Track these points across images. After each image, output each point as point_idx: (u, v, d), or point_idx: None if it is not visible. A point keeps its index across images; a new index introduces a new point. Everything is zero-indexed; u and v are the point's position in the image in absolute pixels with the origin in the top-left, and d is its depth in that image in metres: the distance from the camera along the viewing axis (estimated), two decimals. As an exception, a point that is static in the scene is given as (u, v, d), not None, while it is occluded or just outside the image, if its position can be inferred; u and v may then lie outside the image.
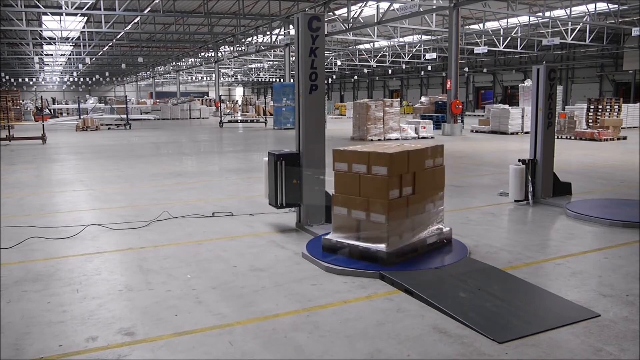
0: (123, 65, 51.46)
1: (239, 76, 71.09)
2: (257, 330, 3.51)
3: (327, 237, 5.10)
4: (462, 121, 23.18)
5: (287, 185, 5.97)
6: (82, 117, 28.18)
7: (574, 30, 29.64)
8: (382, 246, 4.68)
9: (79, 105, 34.43)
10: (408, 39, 37.20)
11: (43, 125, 19.40)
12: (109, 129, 26.29)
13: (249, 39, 35.68)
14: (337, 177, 5.09)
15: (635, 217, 6.41)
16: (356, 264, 4.68)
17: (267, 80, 70.81)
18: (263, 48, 38.36)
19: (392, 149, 4.97)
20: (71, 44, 38.73)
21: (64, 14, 26.74)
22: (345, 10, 25.39)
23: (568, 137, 18.96)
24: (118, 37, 34.24)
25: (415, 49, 42.12)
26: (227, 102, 54.00)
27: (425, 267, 4.67)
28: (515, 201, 7.57)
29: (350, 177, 4.95)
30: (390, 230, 4.70)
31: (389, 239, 4.68)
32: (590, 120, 21.97)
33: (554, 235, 6.08)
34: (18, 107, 32.55)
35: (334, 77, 67.08)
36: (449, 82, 21.73)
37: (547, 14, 27.07)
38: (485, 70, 48.48)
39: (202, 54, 47.41)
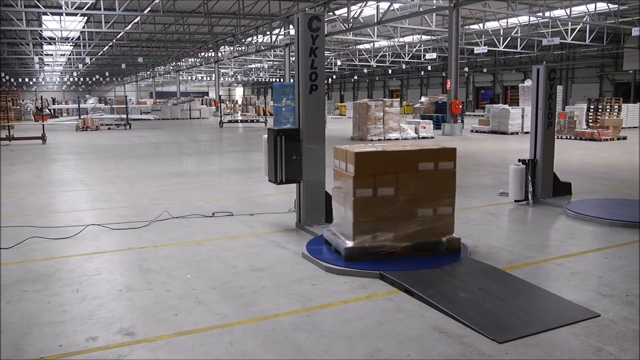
0: (123, 65, 51.46)
1: (239, 76, 71.08)
2: (257, 330, 3.51)
3: (327, 227, 5.47)
4: (462, 121, 23.18)
5: (287, 161, 5.95)
6: (82, 117, 28.19)
7: (574, 30, 29.64)
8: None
9: (79, 105, 34.44)
10: (408, 39, 37.19)
11: (43, 125, 19.42)
12: (109, 129, 26.29)
13: (249, 39, 35.67)
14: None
15: (635, 217, 6.41)
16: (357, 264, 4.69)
17: (267, 80, 70.80)
18: (263, 48, 38.35)
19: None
20: (71, 44, 38.71)
21: (64, 14, 26.72)
22: (345, 10, 25.39)
23: (568, 137, 18.96)
24: (118, 37, 34.23)
25: (415, 49, 42.12)
26: (227, 102, 53.99)
27: (425, 267, 4.67)
28: (515, 201, 7.57)
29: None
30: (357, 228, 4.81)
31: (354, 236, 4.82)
32: (590, 120, 21.97)
33: (554, 235, 6.08)
34: (18, 107, 32.55)
35: (334, 77, 67.06)
36: (449, 82, 21.73)
37: (547, 14, 27.07)
38: (485, 70, 48.47)
39: (202, 54, 47.41)
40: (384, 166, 4.87)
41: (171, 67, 58.52)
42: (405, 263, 4.72)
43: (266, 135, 6.15)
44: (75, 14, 26.76)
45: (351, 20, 25.11)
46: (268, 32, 32.43)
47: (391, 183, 4.86)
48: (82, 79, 71.86)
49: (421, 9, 22.86)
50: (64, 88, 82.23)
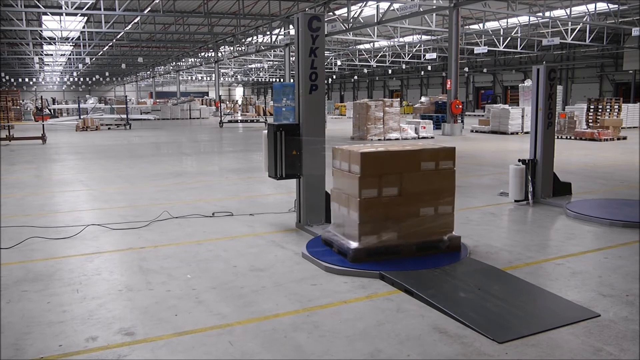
0: (123, 65, 51.47)
1: (239, 76, 71.08)
2: (257, 330, 3.51)
3: (326, 229, 5.41)
4: (462, 121, 23.18)
5: (287, 156, 5.93)
6: (82, 117, 28.20)
7: (574, 30, 29.64)
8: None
9: (79, 105, 34.45)
10: (408, 39, 37.19)
11: (43, 125, 19.42)
12: (109, 129, 26.29)
13: (249, 39, 35.68)
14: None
15: (635, 217, 6.41)
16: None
17: (267, 80, 70.80)
18: (263, 48, 38.35)
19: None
20: (71, 44, 38.71)
21: (64, 14, 26.73)
22: (345, 10, 25.38)
23: (568, 137, 18.96)
24: (118, 37, 34.23)
25: (415, 49, 42.11)
26: (227, 102, 53.99)
27: (425, 267, 4.67)
28: (515, 201, 7.57)
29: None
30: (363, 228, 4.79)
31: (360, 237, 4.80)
32: (590, 120, 21.98)
33: (554, 235, 6.08)
34: (18, 107, 32.57)
35: (334, 77, 67.06)
36: (449, 82, 21.73)
37: (547, 14, 27.06)
38: (485, 70, 48.47)
39: (202, 54, 47.40)
40: (389, 166, 4.87)
41: (171, 67, 58.51)
42: (406, 263, 4.73)
43: (266, 131, 6.16)
44: (75, 14, 26.77)
45: (351, 20, 25.11)
46: (268, 32, 32.43)
47: (395, 183, 4.86)
48: (82, 79, 71.86)
49: (421, 9, 22.85)
50: (64, 88, 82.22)
